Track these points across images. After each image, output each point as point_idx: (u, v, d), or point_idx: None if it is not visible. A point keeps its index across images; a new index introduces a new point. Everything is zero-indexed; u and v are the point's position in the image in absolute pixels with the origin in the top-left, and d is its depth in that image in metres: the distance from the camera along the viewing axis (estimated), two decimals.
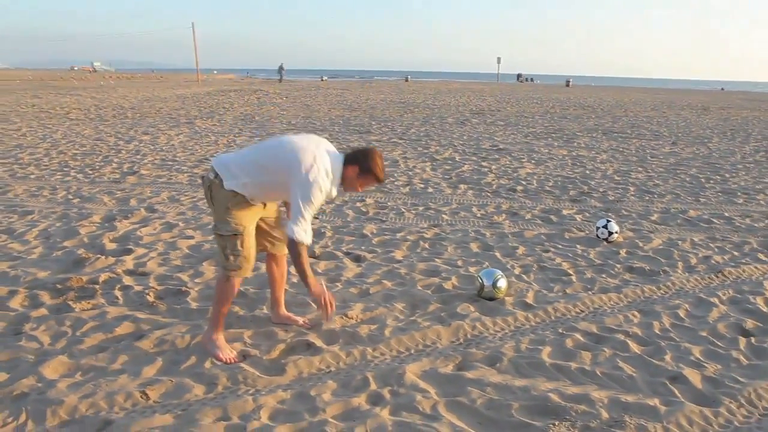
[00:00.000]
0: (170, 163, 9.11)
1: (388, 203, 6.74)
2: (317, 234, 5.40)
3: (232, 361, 3.06)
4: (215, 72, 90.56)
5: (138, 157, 9.61)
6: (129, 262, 4.55)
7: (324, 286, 3.07)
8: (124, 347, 3.20)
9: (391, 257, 4.82)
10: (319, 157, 2.89)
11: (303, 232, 2.85)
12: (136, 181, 7.77)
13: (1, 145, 10.59)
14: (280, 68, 49.16)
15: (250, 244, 3.04)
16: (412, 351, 3.26)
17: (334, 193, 3.03)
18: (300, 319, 3.53)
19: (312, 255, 4.78)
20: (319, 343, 3.25)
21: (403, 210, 6.42)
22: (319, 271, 4.44)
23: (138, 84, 40.70)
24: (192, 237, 5.26)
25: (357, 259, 4.78)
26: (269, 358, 3.11)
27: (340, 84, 48.81)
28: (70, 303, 3.76)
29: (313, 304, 3.39)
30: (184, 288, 4.04)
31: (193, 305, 3.78)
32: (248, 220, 3.04)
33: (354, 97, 27.29)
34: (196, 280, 4.22)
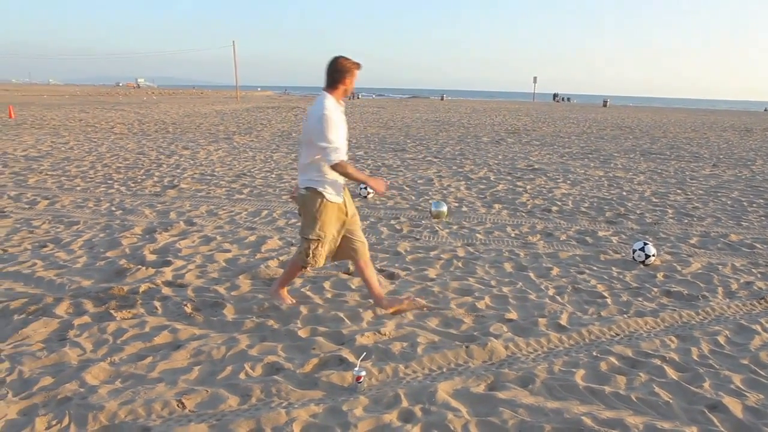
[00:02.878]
0: (209, 177, 9.34)
1: (422, 221, 6.76)
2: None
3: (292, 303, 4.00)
4: (259, 89, 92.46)
5: (178, 171, 9.87)
6: (168, 273, 4.68)
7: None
8: (162, 356, 3.30)
9: (424, 275, 4.83)
10: (317, 106, 3.52)
11: (336, 154, 3.49)
12: (176, 194, 7.98)
13: (50, 158, 11.02)
14: None
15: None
16: (444, 369, 3.26)
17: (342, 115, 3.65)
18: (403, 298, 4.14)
19: (346, 271, 4.83)
20: (351, 358, 3.28)
21: (437, 228, 6.43)
22: (353, 287, 4.48)
23: (179, 99, 41.84)
24: (229, 251, 5.37)
25: (391, 277, 4.81)
26: (302, 372, 3.16)
27: (376, 102, 49.23)
28: (112, 312, 3.89)
29: (377, 193, 4.12)
30: (220, 300, 4.13)
31: (229, 317, 3.86)
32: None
33: (389, 116, 27.50)
34: (233, 293, 4.30)
